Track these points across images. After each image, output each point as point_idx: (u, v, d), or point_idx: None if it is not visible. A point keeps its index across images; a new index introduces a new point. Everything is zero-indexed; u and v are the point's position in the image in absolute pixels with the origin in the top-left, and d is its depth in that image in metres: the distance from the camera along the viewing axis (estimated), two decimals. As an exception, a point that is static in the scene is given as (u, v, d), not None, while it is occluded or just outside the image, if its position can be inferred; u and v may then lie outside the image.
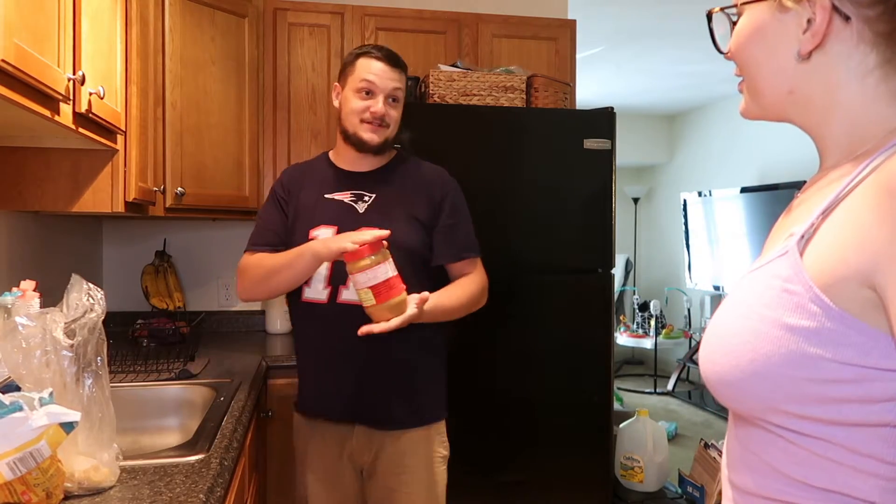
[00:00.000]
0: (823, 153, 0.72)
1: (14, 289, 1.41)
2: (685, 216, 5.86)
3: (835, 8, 0.65)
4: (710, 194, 5.52)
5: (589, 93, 5.68)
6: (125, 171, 1.79)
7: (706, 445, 2.70)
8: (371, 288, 1.46)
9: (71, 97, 1.32)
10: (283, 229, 1.73)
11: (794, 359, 0.62)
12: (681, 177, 6.59)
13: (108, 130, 1.62)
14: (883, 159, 0.62)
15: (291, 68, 2.67)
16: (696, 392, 5.64)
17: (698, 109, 6.34)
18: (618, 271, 6.66)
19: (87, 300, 1.07)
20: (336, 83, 1.77)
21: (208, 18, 2.40)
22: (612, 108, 2.42)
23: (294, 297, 1.71)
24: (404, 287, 1.51)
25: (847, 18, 0.65)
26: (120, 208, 1.77)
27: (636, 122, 6.57)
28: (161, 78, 2.21)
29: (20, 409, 0.92)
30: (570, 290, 2.40)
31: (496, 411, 2.34)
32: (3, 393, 0.95)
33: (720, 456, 2.61)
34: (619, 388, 5.53)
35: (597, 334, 2.41)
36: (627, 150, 5.94)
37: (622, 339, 6.11)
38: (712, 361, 0.70)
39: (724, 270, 5.43)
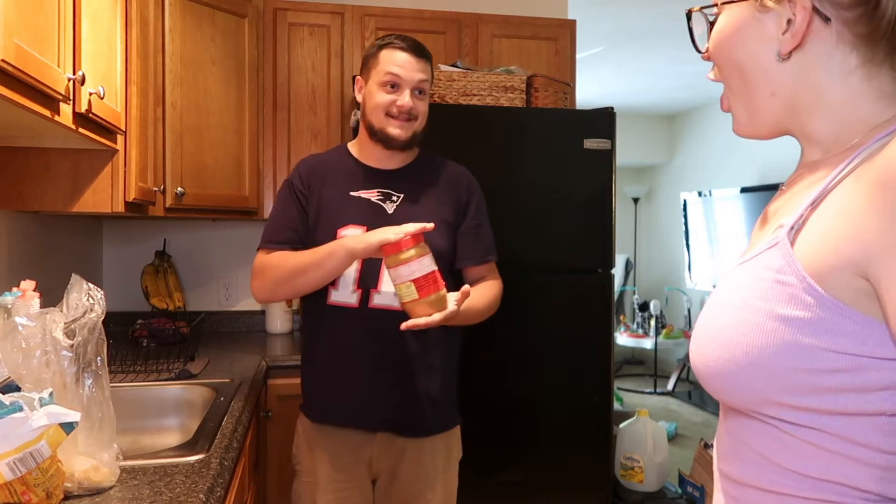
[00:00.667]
0: (807, 149, 0.72)
1: (14, 289, 1.41)
2: (685, 216, 5.87)
3: (815, 9, 0.65)
4: (710, 194, 5.53)
5: (589, 93, 5.68)
6: (125, 171, 1.79)
7: (706, 445, 2.70)
8: (414, 281, 1.39)
9: (71, 97, 1.32)
10: (303, 226, 1.64)
11: (790, 349, 0.62)
12: (681, 177, 6.59)
13: (108, 130, 1.62)
14: (870, 153, 0.62)
15: (291, 68, 2.67)
16: (696, 392, 5.64)
17: (698, 109, 6.34)
18: (618, 271, 6.66)
19: (87, 300, 1.07)
20: (358, 76, 1.70)
21: (208, 18, 2.40)
22: (612, 108, 2.42)
23: (317, 299, 1.62)
24: (444, 282, 1.45)
25: (827, 20, 0.65)
26: (120, 208, 1.77)
27: (636, 122, 6.57)
28: (161, 78, 2.21)
29: (20, 409, 0.92)
30: (570, 290, 2.40)
31: (496, 411, 2.34)
32: (3, 393, 0.95)
33: (720, 456, 2.61)
34: (619, 388, 5.53)
35: (597, 334, 2.41)
36: (627, 150, 5.94)
37: (622, 339, 6.12)
38: (705, 355, 0.69)
39: (724, 270, 5.43)
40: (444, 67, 2.48)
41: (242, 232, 2.94)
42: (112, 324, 1.48)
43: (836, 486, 0.63)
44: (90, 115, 1.43)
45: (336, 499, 1.61)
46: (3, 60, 1.00)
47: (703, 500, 2.61)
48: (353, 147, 1.74)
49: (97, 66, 1.50)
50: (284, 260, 1.59)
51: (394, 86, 1.61)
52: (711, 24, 0.75)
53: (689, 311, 6.08)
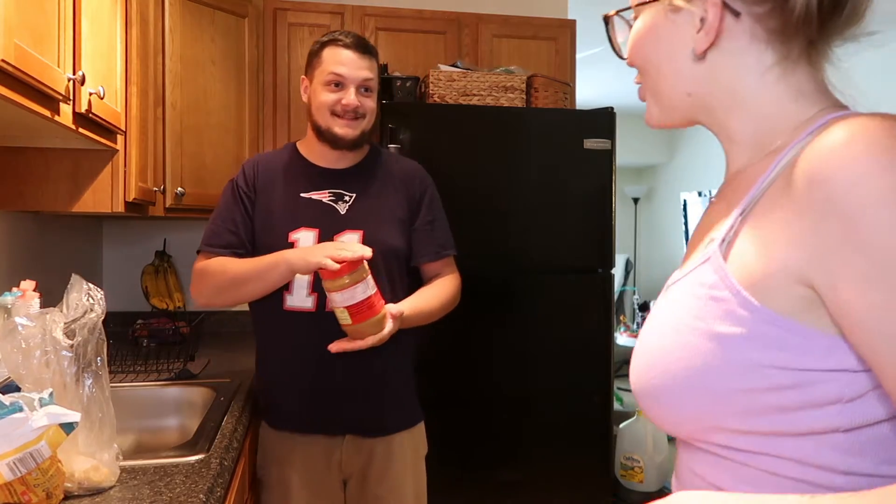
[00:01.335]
0: (731, 154, 0.71)
1: (14, 289, 1.41)
2: (685, 216, 5.87)
3: (725, 4, 0.64)
4: (710, 194, 5.52)
5: (589, 93, 5.67)
6: (125, 171, 1.79)
7: (706, 445, 2.70)
8: (347, 308, 1.40)
9: (71, 97, 1.32)
10: (246, 229, 1.61)
11: (730, 369, 0.59)
12: (681, 177, 6.59)
13: (108, 130, 1.62)
14: (793, 155, 0.60)
15: (291, 68, 2.66)
16: (696, 392, 5.64)
17: (698, 109, 6.34)
18: (618, 271, 6.66)
19: (87, 300, 1.07)
20: (303, 76, 1.67)
21: (208, 18, 2.40)
22: (612, 108, 2.43)
23: (271, 305, 1.59)
24: (383, 303, 1.46)
25: (737, 14, 0.64)
26: (120, 208, 1.77)
27: (636, 122, 6.52)
28: (161, 78, 2.21)
29: (20, 409, 0.92)
30: (570, 290, 2.40)
31: (496, 411, 2.34)
32: (3, 393, 0.95)
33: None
34: (619, 388, 5.52)
35: (597, 334, 2.41)
36: (627, 150, 5.93)
37: (622, 339, 6.11)
38: (644, 381, 0.66)
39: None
40: (444, 67, 2.48)
41: (242, 232, 2.94)
42: (112, 324, 1.48)
43: None
44: (90, 115, 1.43)
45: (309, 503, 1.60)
46: (3, 60, 1.00)
47: (703, 500, 2.61)
48: (302, 147, 1.70)
49: (97, 66, 1.50)
50: (225, 267, 1.56)
51: (338, 84, 1.58)
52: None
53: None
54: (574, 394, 2.37)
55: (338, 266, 1.37)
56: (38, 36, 1.17)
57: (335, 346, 1.44)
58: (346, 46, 1.59)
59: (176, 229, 2.86)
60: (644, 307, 6.20)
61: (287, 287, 1.57)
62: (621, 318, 6.51)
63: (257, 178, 1.64)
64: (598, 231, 2.41)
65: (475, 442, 2.32)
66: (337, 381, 1.60)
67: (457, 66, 2.52)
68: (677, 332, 0.64)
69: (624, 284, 6.90)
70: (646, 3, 0.69)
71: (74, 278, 1.08)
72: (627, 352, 6.62)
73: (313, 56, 1.63)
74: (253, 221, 1.62)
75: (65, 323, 1.04)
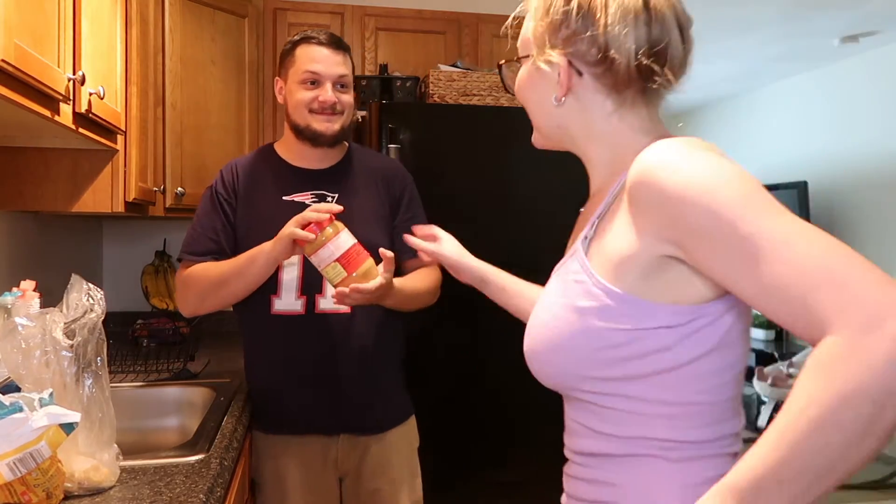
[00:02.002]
0: (592, 174, 0.91)
1: (14, 289, 1.41)
2: (685, 216, 5.87)
3: (571, 65, 0.84)
4: (710, 194, 5.52)
5: (589, 93, 5.67)
6: (125, 171, 1.79)
7: (706, 445, 2.70)
8: (338, 260, 1.36)
9: (71, 97, 1.32)
10: (226, 235, 1.59)
11: (586, 332, 0.79)
12: (681, 177, 6.59)
13: (108, 130, 1.62)
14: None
15: (291, 68, 2.66)
16: (696, 392, 5.64)
17: (698, 109, 6.34)
18: (618, 271, 6.64)
19: (86, 300, 1.07)
20: (277, 77, 1.66)
21: (208, 18, 2.40)
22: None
23: (259, 309, 1.58)
24: (369, 253, 1.43)
25: (580, 74, 0.85)
26: (120, 208, 1.77)
27: (636, 122, 6.57)
28: (161, 78, 2.21)
29: (20, 409, 0.92)
30: (570, 290, 2.40)
31: (495, 412, 2.34)
32: (3, 393, 0.95)
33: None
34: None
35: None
36: (627, 150, 5.93)
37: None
38: (529, 347, 0.88)
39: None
40: (444, 67, 2.48)
41: (242, 232, 2.94)
42: (112, 324, 1.48)
43: (640, 440, 0.80)
44: (90, 115, 1.43)
45: (307, 502, 1.59)
46: (3, 60, 1.00)
47: (703, 500, 2.61)
48: (280, 149, 1.68)
49: (97, 66, 1.50)
50: (206, 271, 1.54)
51: (314, 82, 1.57)
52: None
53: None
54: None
55: (309, 234, 1.36)
56: (38, 36, 1.17)
57: (339, 292, 1.38)
58: (320, 44, 1.58)
59: (176, 229, 2.86)
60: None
61: (275, 291, 1.56)
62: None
63: (237, 183, 1.62)
64: (598, 231, 2.41)
65: (474, 443, 2.32)
66: (330, 383, 1.59)
67: (457, 66, 2.51)
68: (551, 307, 0.85)
69: (624, 284, 6.89)
70: (523, 58, 0.91)
71: (74, 278, 1.08)
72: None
73: (286, 56, 1.62)
74: (234, 228, 1.60)
75: (65, 323, 1.04)
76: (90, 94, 1.40)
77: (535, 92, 0.90)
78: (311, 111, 1.57)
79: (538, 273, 2.42)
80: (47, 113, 1.24)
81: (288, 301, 1.57)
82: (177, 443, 1.46)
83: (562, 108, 0.87)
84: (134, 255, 2.79)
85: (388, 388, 1.67)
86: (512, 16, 0.96)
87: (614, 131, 0.86)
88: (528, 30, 0.91)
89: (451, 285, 1.66)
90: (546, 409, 2.36)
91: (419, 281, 1.63)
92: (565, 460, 0.94)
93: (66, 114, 1.33)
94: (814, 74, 4.92)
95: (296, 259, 1.56)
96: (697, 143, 0.78)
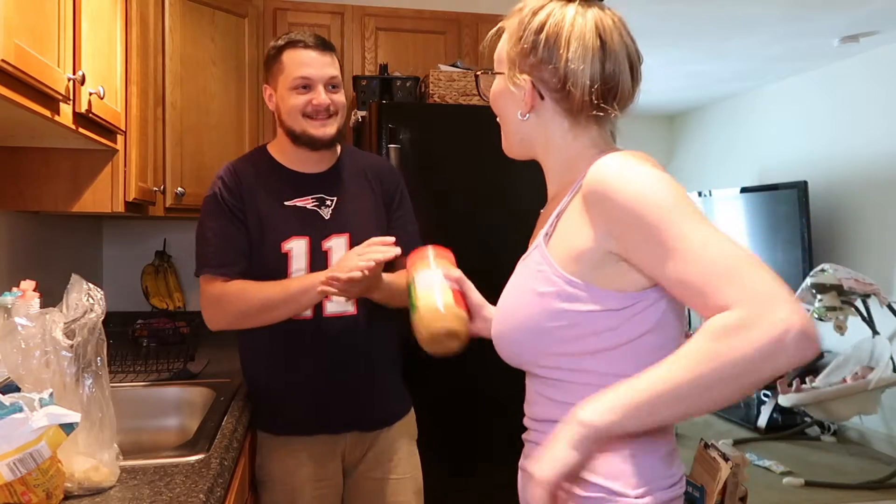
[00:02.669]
0: (549, 180, 1.05)
1: (14, 289, 1.41)
2: (685, 216, 5.86)
3: (535, 88, 0.98)
4: (710, 194, 5.52)
5: (589, 93, 5.66)
6: (125, 171, 1.79)
7: (706, 445, 2.69)
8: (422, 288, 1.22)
9: (71, 97, 1.32)
10: (246, 244, 1.57)
11: (545, 314, 0.93)
12: (681, 177, 6.57)
13: (108, 130, 1.62)
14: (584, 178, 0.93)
15: (291, 68, 2.66)
16: (696, 392, 5.64)
17: (698, 109, 6.34)
18: (618, 271, 6.64)
19: (86, 300, 1.06)
20: (265, 84, 1.63)
21: (208, 18, 2.40)
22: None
23: None
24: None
25: (542, 97, 0.98)
26: (120, 208, 1.77)
27: (636, 122, 6.55)
28: (161, 78, 2.21)
29: (20, 410, 0.92)
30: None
31: (494, 412, 2.33)
32: (3, 394, 0.95)
33: (720, 456, 2.60)
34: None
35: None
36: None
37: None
38: (497, 330, 1.01)
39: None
40: (444, 67, 2.48)
41: (242, 232, 2.94)
42: (112, 324, 1.48)
43: None
44: (90, 115, 1.43)
45: (315, 497, 1.60)
46: (3, 60, 1.00)
47: (703, 500, 2.60)
48: (275, 152, 1.66)
49: (97, 66, 1.50)
50: (248, 293, 1.53)
51: (305, 87, 1.55)
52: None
53: (689, 311, 6.06)
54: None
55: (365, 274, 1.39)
56: (38, 36, 1.17)
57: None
58: (307, 47, 1.56)
59: (176, 229, 2.86)
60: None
61: None
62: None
63: (241, 189, 1.60)
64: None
65: (474, 443, 2.32)
66: (337, 384, 1.60)
67: (457, 66, 2.51)
68: (516, 293, 0.99)
69: (624, 284, 6.89)
70: (497, 73, 1.04)
71: (74, 278, 1.08)
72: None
73: (272, 62, 1.59)
74: (249, 233, 1.59)
75: (65, 323, 1.04)
76: (90, 94, 1.40)
77: (504, 105, 1.03)
78: (305, 115, 1.55)
79: (538, 273, 2.42)
80: (47, 113, 1.24)
81: None
82: (177, 443, 1.46)
83: (525, 123, 1.01)
84: (134, 255, 2.79)
85: (391, 385, 1.70)
86: (491, 32, 1.05)
87: (568, 146, 1.00)
88: (503, 50, 1.02)
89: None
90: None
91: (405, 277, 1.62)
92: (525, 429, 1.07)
93: (66, 114, 1.33)
94: (814, 74, 4.92)
95: (303, 263, 1.57)
96: (641, 156, 0.92)
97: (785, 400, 3.91)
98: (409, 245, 1.63)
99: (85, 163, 1.73)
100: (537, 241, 0.99)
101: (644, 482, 0.92)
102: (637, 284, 0.90)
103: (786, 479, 3.68)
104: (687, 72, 4.95)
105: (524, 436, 1.07)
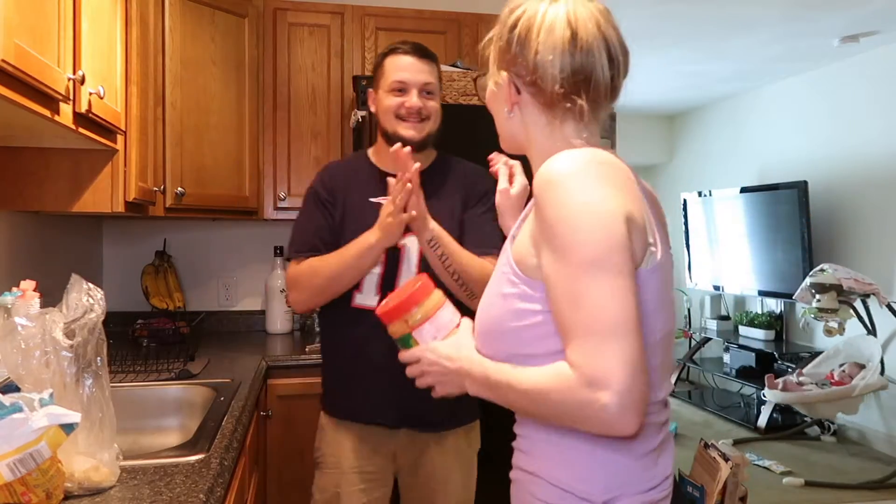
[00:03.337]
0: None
1: (14, 289, 1.41)
2: (685, 216, 5.86)
3: (513, 84, 1.00)
4: (710, 194, 5.52)
5: (589, 93, 5.66)
6: (125, 171, 1.79)
7: (706, 445, 2.69)
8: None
9: (71, 97, 1.32)
10: (329, 233, 1.68)
11: (509, 313, 0.94)
12: (681, 177, 6.59)
13: (108, 130, 1.62)
14: None
15: (291, 68, 2.67)
16: (696, 392, 5.64)
17: (698, 109, 6.34)
18: (618, 271, 6.64)
19: (86, 300, 1.07)
20: (370, 89, 1.76)
21: (208, 18, 2.40)
22: (612, 108, 2.42)
23: (340, 301, 1.66)
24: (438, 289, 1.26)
25: (518, 91, 1.00)
26: (120, 208, 1.77)
27: (636, 122, 6.57)
28: (161, 78, 2.21)
29: (20, 410, 0.92)
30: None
31: (494, 412, 2.33)
32: (3, 394, 0.95)
33: (720, 456, 2.60)
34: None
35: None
36: (627, 150, 5.92)
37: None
38: (477, 330, 1.03)
39: (724, 270, 5.43)
40: (444, 67, 2.47)
41: (242, 232, 2.94)
42: (112, 324, 1.48)
43: None
44: (90, 114, 1.43)
45: (360, 490, 1.66)
46: (3, 60, 1.00)
47: (703, 500, 2.60)
48: (372, 154, 1.78)
49: (97, 66, 1.50)
50: (316, 270, 1.63)
51: (401, 90, 1.65)
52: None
53: (688, 311, 6.08)
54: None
55: (402, 183, 1.49)
56: (38, 36, 1.17)
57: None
58: (406, 53, 1.67)
59: (176, 229, 2.86)
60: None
61: (358, 286, 1.65)
62: (621, 318, 6.51)
63: (334, 185, 1.72)
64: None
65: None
66: (396, 376, 1.60)
67: (457, 66, 2.51)
68: (487, 295, 1.01)
69: (624, 284, 6.88)
70: (484, 74, 1.07)
71: (74, 278, 1.08)
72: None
73: (377, 68, 1.72)
74: (335, 225, 1.69)
75: (65, 323, 1.04)
76: (90, 94, 1.40)
77: (494, 104, 1.06)
78: (397, 117, 1.65)
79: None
80: (47, 113, 1.24)
81: (368, 296, 1.65)
82: (177, 443, 1.46)
83: (511, 121, 1.03)
84: (134, 255, 2.79)
85: None
86: (486, 38, 1.07)
87: (546, 141, 1.00)
88: (488, 50, 1.06)
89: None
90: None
91: (467, 256, 1.62)
92: None
93: (66, 114, 1.33)
94: (814, 74, 4.92)
95: (380, 258, 1.64)
96: (599, 158, 0.91)
97: (771, 395, 3.94)
98: (482, 244, 1.68)
99: (85, 163, 1.73)
100: (506, 244, 1.01)
101: (614, 486, 0.90)
102: None
103: (786, 479, 3.68)
104: (687, 72, 4.95)
105: (513, 443, 1.06)
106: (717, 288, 5.53)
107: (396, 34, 2.72)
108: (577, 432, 0.90)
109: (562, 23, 0.95)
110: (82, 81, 1.34)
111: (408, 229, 1.62)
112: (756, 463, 3.92)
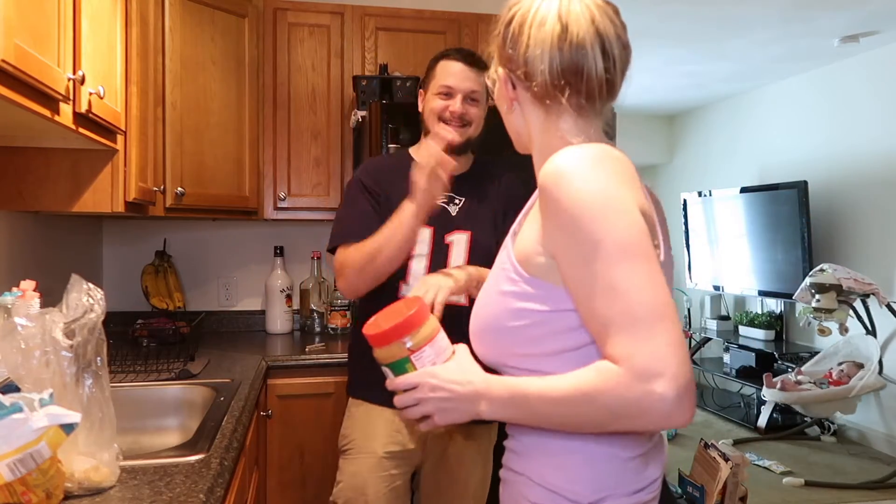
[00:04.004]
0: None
1: (14, 289, 1.41)
2: (685, 216, 5.86)
3: (509, 79, 1.00)
4: (710, 194, 5.52)
5: (589, 93, 5.66)
6: (125, 171, 1.79)
7: (706, 445, 2.70)
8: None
9: (71, 97, 1.32)
10: (374, 222, 1.67)
11: (508, 312, 0.92)
12: (681, 177, 6.59)
13: (108, 130, 1.62)
14: None
15: (291, 68, 2.67)
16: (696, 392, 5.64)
17: (698, 109, 6.34)
18: (618, 271, 6.63)
19: (86, 300, 1.06)
20: (420, 89, 1.82)
21: (208, 18, 2.40)
22: (612, 108, 2.42)
23: (386, 292, 1.66)
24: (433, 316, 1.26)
25: (514, 87, 1.00)
26: (120, 208, 1.77)
27: (636, 122, 6.57)
28: (161, 78, 2.21)
29: (20, 410, 0.92)
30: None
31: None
32: (3, 394, 0.95)
33: (720, 456, 2.61)
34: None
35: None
36: (627, 150, 5.88)
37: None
38: (472, 331, 1.00)
39: (724, 270, 5.43)
40: (444, 67, 2.48)
41: (242, 232, 2.94)
42: (112, 324, 1.48)
43: None
44: (90, 114, 1.43)
45: (389, 475, 1.69)
46: (3, 60, 1.00)
47: (703, 500, 2.61)
48: (413, 151, 1.82)
49: (97, 66, 1.50)
50: (357, 250, 1.64)
51: (447, 94, 1.72)
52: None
53: (688, 311, 6.08)
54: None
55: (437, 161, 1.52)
56: (38, 36, 1.17)
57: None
58: (456, 59, 1.74)
59: (176, 229, 2.86)
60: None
61: (404, 277, 1.69)
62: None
63: (379, 177, 1.76)
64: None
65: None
66: None
67: (457, 66, 2.51)
68: (485, 293, 0.99)
69: (624, 284, 6.88)
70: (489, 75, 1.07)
71: (74, 278, 1.08)
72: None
73: (429, 70, 1.79)
74: (379, 215, 1.69)
75: (65, 323, 1.04)
76: (90, 94, 1.40)
77: (499, 102, 1.06)
78: (441, 120, 1.72)
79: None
80: (47, 113, 1.24)
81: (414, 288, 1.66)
82: (177, 443, 1.46)
83: (513, 117, 1.04)
84: (134, 255, 2.79)
85: None
86: (491, 36, 1.07)
87: (544, 137, 1.00)
88: (491, 49, 1.07)
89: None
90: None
91: None
92: None
93: (66, 114, 1.33)
94: (814, 74, 4.92)
95: (425, 250, 1.70)
96: (605, 153, 0.89)
97: (769, 395, 3.94)
98: None
99: (85, 163, 1.73)
100: (507, 241, 0.99)
101: (602, 488, 0.90)
102: None
103: (786, 479, 3.68)
104: (687, 72, 4.95)
105: (505, 442, 1.04)
106: (717, 288, 5.53)
107: (396, 34, 2.72)
108: (567, 434, 0.90)
109: (553, 18, 0.94)
110: (82, 81, 1.34)
111: (457, 226, 1.68)
112: (756, 463, 3.93)
